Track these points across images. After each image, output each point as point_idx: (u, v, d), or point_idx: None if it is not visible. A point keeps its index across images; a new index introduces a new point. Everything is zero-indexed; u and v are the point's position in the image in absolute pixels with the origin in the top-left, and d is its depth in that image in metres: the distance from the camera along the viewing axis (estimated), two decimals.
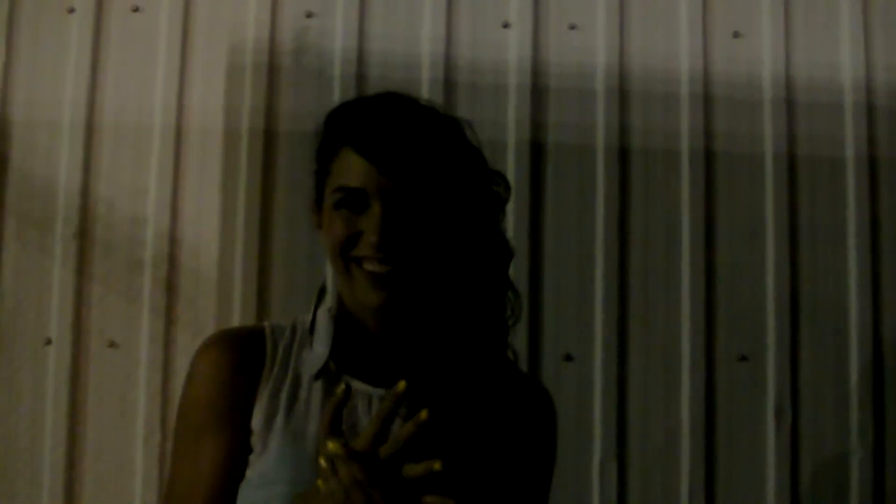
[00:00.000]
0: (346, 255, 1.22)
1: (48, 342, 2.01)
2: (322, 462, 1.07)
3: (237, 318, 2.01)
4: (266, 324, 1.32)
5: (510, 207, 1.99)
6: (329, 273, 1.88)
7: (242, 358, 1.26)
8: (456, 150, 1.27)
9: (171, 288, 2.03)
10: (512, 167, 2.06)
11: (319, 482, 1.07)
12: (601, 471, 2.02)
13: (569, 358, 2.04)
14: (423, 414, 1.07)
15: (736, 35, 2.15)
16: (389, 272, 1.20)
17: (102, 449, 2.00)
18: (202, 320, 2.01)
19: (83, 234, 2.03)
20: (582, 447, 2.02)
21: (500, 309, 1.33)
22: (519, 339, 2.01)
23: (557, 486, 1.91)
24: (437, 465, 1.07)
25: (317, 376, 1.26)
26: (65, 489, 1.98)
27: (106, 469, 1.99)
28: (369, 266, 1.21)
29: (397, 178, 1.19)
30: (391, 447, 1.07)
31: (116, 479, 1.99)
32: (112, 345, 2.02)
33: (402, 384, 1.09)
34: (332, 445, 1.07)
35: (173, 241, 2.04)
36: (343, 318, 1.30)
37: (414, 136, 1.21)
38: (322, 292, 1.34)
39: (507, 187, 1.35)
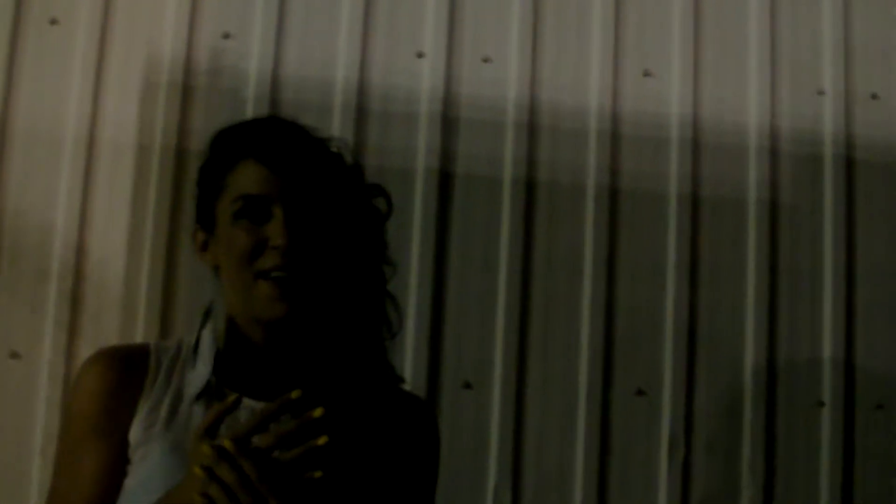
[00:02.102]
0: (250, 269, 1.25)
1: None
2: (197, 470, 1.07)
3: (141, 334, 2.01)
4: (150, 343, 1.37)
5: (416, 234, 2.04)
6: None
7: (124, 374, 1.30)
8: (340, 164, 1.34)
9: (75, 300, 2.03)
10: (420, 194, 2.08)
11: (195, 497, 1.07)
12: (495, 497, 2.04)
13: (468, 386, 2.07)
14: (318, 412, 1.09)
15: (646, 74, 2.19)
16: (293, 282, 1.24)
17: None
18: (106, 334, 2.01)
19: None
20: (477, 474, 2.05)
21: (380, 322, 1.37)
22: (419, 365, 2.04)
23: None
24: (317, 473, 1.08)
25: (199, 395, 1.28)
26: None
27: (2, 479, 1.99)
28: (275, 274, 1.23)
29: (296, 184, 1.25)
30: (271, 439, 1.08)
31: (11, 489, 1.98)
32: (14, 355, 2.02)
33: (296, 392, 1.10)
34: (212, 445, 1.06)
35: (80, 252, 2.04)
36: (231, 336, 1.32)
37: (306, 147, 1.29)
38: (207, 313, 1.37)
39: (389, 201, 1.39)
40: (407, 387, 1.45)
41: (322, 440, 1.08)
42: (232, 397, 1.13)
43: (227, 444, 1.07)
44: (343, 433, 1.24)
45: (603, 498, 2.08)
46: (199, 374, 1.31)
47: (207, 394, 1.29)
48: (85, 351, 2.00)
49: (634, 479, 2.09)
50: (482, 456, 2.06)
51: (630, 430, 2.10)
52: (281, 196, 1.25)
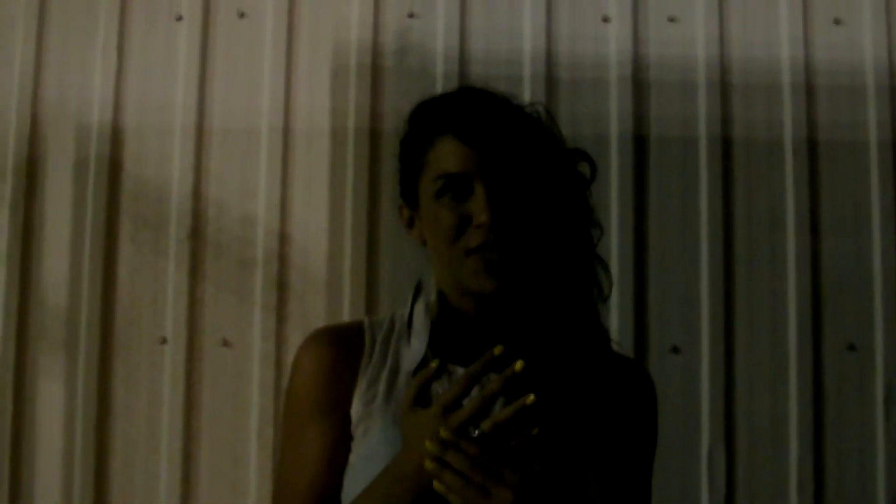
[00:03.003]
0: (457, 246, 1.25)
1: (163, 341, 2.07)
2: (428, 464, 1.09)
3: (346, 315, 2.04)
4: (365, 319, 1.37)
5: (613, 200, 2.02)
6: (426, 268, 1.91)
7: (341, 351, 1.31)
8: (540, 133, 1.31)
9: (281, 286, 2.07)
10: (615, 160, 2.07)
11: (435, 484, 1.09)
12: (709, 458, 2.02)
13: (675, 350, 2.05)
14: (530, 398, 1.09)
15: (837, 22, 2.14)
16: (501, 258, 1.23)
17: (217, 443, 2.05)
18: (312, 317, 2.05)
19: (195, 235, 2.08)
20: (690, 435, 2.03)
21: (591, 286, 1.36)
22: (625, 331, 2.03)
23: (667, 473, 1.95)
24: (534, 430, 1.09)
25: (415, 371, 1.29)
26: (181, 483, 2.04)
27: (221, 463, 2.04)
28: (483, 254, 1.24)
29: (497, 159, 1.23)
30: (490, 424, 1.09)
31: (231, 473, 2.04)
32: (225, 343, 2.07)
33: (498, 348, 1.11)
34: (434, 438, 1.08)
35: (283, 239, 2.08)
36: (444, 311, 1.33)
37: (503, 120, 1.26)
38: (418, 288, 1.37)
39: (592, 165, 1.38)
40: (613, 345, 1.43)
41: (530, 399, 1.08)
42: (434, 363, 1.14)
43: (444, 433, 1.08)
44: (558, 394, 1.24)
45: (819, 454, 2.04)
46: (415, 348, 1.31)
47: (424, 367, 1.29)
48: (293, 335, 2.05)
49: (849, 435, 2.05)
50: (693, 418, 2.04)
51: (843, 385, 2.06)
52: (481, 172, 1.23)
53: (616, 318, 2.03)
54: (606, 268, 1.38)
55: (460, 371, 1.28)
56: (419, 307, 1.35)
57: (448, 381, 1.28)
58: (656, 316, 2.06)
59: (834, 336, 2.07)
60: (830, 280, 2.08)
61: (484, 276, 1.24)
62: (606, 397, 1.32)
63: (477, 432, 1.08)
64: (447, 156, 1.26)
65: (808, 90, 2.11)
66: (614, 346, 1.40)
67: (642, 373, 1.43)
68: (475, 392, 1.13)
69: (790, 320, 2.06)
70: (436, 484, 1.08)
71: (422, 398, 1.13)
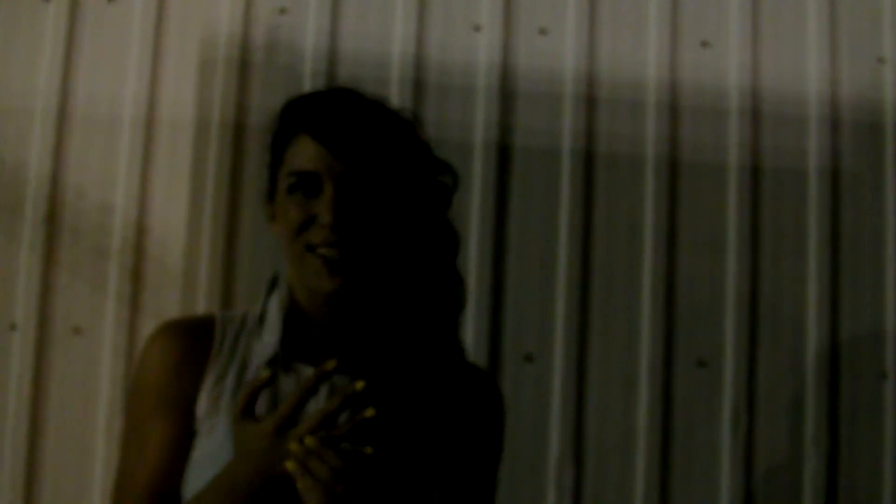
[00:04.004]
0: (300, 241, 1.25)
1: (13, 327, 2.03)
2: (290, 465, 1.10)
3: (202, 308, 2.02)
4: (216, 313, 1.36)
5: (475, 208, 2.03)
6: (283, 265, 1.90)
7: (189, 346, 1.30)
8: (404, 140, 1.32)
9: (137, 276, 2.05)
10: (479, 168, 2.08)
11: (298, 483, 1.10)
12: (558, 470, 2.04)
13: (529, 358, 2.07)
14: (359, 384, 1.11)
15: (703, 44, 2.17)
16: (342, 257, 1.23)
17: (64, 433, 2.01)
18: (167, 309, 2.02)
19: (52, 220, 2.05)
20: (539, 447, 2.05)
21: (447, 297, 1.36)
22: (480, 338, 2.04)
23: (514, 484, 1.96)
24: (367, 449, 1.10)
25: (268, 364, 1.29)
26: (25, 471, 1.99)
27: (67, 453, 2.00)
28: (322, 251, 1.24)
29: (349, 161, 1.24)
30: (317, 415, 1.11)
31: (77, 463, 2.00)
32: (77, 331, 2.03)
33: (360, 384, 1.13)
34: (308, 441, 1.10)
35: (141, 229, 2.05)
36: (293, 308, 1.32)
37: (365, 123, 1.27)
38: (273, 282, 1.37)
39: (455, 177, 1.38)
40: (467, 355, 1.44)
41: (369, 412, 1.10)
42: (266, 374, 1.15)
43: (309, 441, 1.10)
44: (400, 405, 1.25)
45: (665, 470, 2.07)
46: (266, 343, 1.31)
47: (274, 363, 1.29)
48: (147, 326, 2.02)
49: (697, 452, 2.08)
50: (543, 428, 2.05)
51: (692, 402, 2.09)
52: (332, 172, 1.24)
53: (472, 325, 2.03)
54: (462, 282, 1.39)
55: (306, 370, 1.28)
56: (273, 301, 1.35)
57: (296, 380, 1.28)
58: (512, 324, 2.07)
59: (685, 352, 2.10)
60: (684, 296, 2.10)
61: (324, 274, 1.25)
62: (452, 411, 1.32)
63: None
64: (301, 153, 1.27)
65: (673, 109, 2.14)
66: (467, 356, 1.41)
67: (491, 386, 1.44)
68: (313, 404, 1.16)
69: (643, 334, 2.09)
70: (299, 485, 1.10)
71: (251, 408, 1.13)
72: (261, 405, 1.22)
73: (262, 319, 1.34)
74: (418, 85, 2.10)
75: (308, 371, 1.28)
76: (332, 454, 1.09)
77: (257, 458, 1.14)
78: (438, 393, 1.32)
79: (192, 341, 1.31)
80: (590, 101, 2.12)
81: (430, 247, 1.36)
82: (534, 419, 2.04)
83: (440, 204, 1.38)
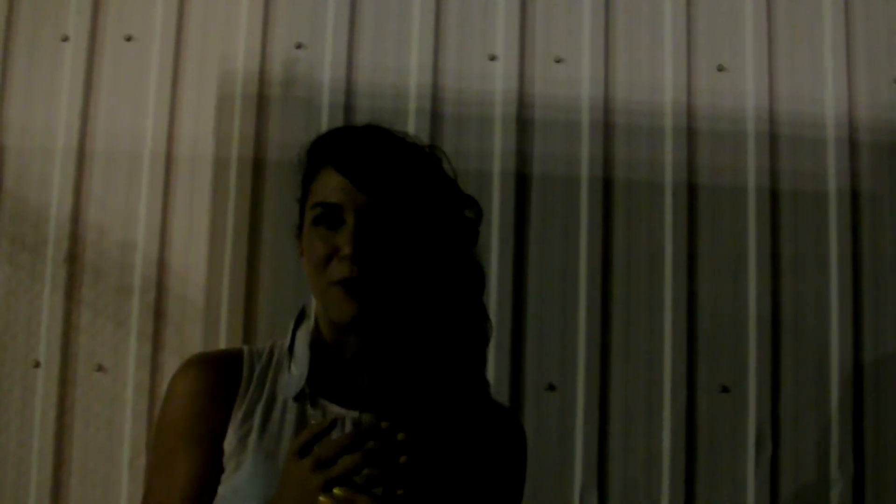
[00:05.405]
0: (324, 276, 1.25)
1: (37, 365, 2.04)
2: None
3: (223, 344, 2.03)
4: (245, 347, 1.36)
5: (494, 237, 2.03)
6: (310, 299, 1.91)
7: (218, 380, 1.30)
8: (429, 175, 1.32)
9: (158, 313, 2.06)
10: (497, 197, 2.08)
11: None
12: (581, 498, 2.03)
13: (551, 387, 2.06)
14: (400, 436, 1.11)
15: (720, 69, 2.17)
16: (361, 284, 1.23)
17: (88, 471, 2.02)
18: (189, 345, 2.03)
19: (73, 259, 2.06)
20: (563, 476, 2.04)
21: (472, 333, 1.36)
22: (501, 368, 2.04)
23: None
24: (399, 491, 1.10)
25: (295, 398, 1.29)
26: None
27: (91, 491, 2.01)
28: (344, 285, 1.23)
29: (372, 193, 1.24)
30: (358, 458, 1.10)
31: (102, 500, 2.01)
32: (100, 368, 2.04)
33: (401, 435, 1.12)
34: (337, 491, 1.10)
35: (162, 266, 2.07)
36: (320, 343, 1.33)
37: (389, 157, 1.28)
38: (301, 315, 1.37)
39: (479, 212, 1.38)
40: (491, 391, 1.44)
41: (402, 459, 1.10)
42: (327, 421, 1.14)
43: (338, 491, 1.09)
44: (427, 446, 1.24)
45: (691, 497, 2.06)
46: (295, 377, 1.31)
47: (301, 396, 1.29)
48: (169, 363, 2.03)
49: (722, 478, 2.07)
50: (567, 457, 2.05)
51: (716, 427, 2.08)
52: (354, 204, 1.25)
53: (493, 354, 2.03)
54: (487, 317, 1.38)
55: (332, 408, 1.27)
56: (301, 334, 1.34)
57: (322, 414, 1.28)
58: (533, 353, 2.07)
59: (708, 378, 2.09)
60: (706, 322, 2.10)
61: (345, 303, 1.24)
62: (477, 449, 1.32)
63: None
64: (325, 186, 1.28)
65: (690, 134, 2.14)
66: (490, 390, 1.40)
67: (514, 423, 1.44)
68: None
69: (665, 360, 2.08)
70: None
71: (307, 449, 1.13)
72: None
73: (291, 350, 1.34)
74: (435, 115, 2.11)
75: (333, 408, 1.28)
76: (366, 499, 1.09)
77: (297, 498, 1.14)
78: (464, 430, 1.32)
79: (221, 375, 1.30)
80: (607, 128, 2.13)
81: (456, 283, 1.35)
82: (557, 447, 2.04)
83: (466, 239, 1.38)
